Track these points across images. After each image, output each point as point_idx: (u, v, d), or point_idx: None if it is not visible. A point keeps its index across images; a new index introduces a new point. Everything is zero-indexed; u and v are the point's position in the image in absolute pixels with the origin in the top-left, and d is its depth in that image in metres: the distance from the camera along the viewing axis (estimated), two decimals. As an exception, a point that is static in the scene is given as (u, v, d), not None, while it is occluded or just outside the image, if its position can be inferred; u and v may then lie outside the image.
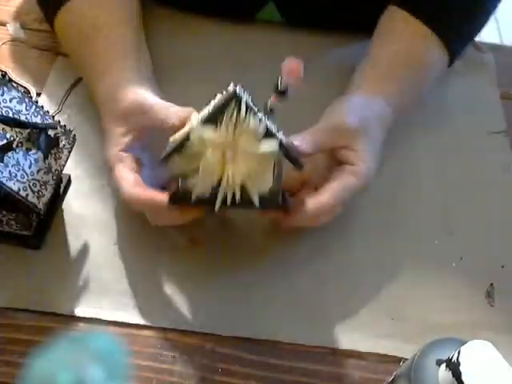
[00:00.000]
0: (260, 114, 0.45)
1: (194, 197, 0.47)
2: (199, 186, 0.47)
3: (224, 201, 0.47)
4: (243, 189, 0.46)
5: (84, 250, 0.56)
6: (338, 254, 0.59)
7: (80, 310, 0.53)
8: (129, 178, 0.52)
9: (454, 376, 0.36)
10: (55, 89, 0.67)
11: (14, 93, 0.50)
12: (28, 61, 0.69)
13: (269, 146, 0.45)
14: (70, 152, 0.54)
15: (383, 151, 0.58)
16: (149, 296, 0.54)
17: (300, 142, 0.52)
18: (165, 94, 0.59)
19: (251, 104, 0.45)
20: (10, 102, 0.50)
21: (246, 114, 0.45)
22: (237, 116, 0.45)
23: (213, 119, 0.45)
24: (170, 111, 0.53)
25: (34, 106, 0.51)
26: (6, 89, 0.50)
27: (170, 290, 0.55)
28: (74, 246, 0.56)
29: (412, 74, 0.64)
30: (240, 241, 0.59)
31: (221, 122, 0.45)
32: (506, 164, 0.67)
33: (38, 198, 0.50)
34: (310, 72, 0.72)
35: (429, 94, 0.68)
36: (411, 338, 0.54)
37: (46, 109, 0.53)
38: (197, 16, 0.74)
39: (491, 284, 0.58)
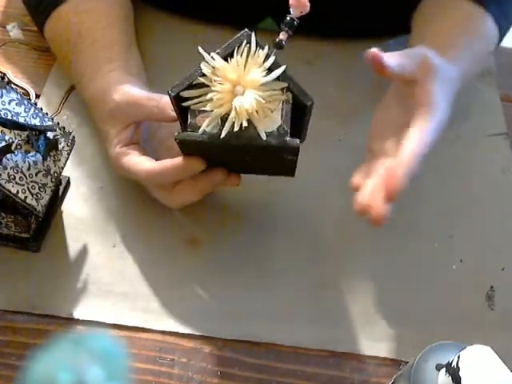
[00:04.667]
0: (269, 50, 0.46)
1: (201, 129, 0.46)
2: (207, 119, 0.46)
3: (229, 144, 0.47)
4: (250, 123, 0.46)
5: (83, 252, 0.56)
6: (338, 257, 0.59)
7: (79, 313, 0.52)
8: (140, 160, 0.53)
9: (453, 381, 0.36)
10: (54, 90, 0.67)
11: (13, 94, 0.50)
12: (27, 62, 0.69)
13: (275, 73, 0.45)
14: (69, 154, 0.54)
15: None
16: (148, 299, 0.54)
17: (387, 56, 0.50)
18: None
19: (260, 42, 0.46)
20: (9, 103, 0.49)
21: (255, 49, 0.45)
22: (247, 53, 0.45)
23: (224, 57, 0.46)
24: (156, 99, 0.53)
25: (32, 108, 0.51)
26: (4, 91, 0.49)
27: (169, 292, 0.55)
28: (73, 248, 0.56)
29: (471, 42, 0.63)
30: (239, 243, 0.58)
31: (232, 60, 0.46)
32: (506, 166, 0.67)
33: (37, 200, 0.50)
34: (310, 73, 0.73)
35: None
36: (411, 341, 0.54)
37: (44, 111, 0.53)
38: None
39: (491, 287, 0.58)
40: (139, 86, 0.57)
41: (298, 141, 0.46)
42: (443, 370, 0.38)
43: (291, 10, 0.46)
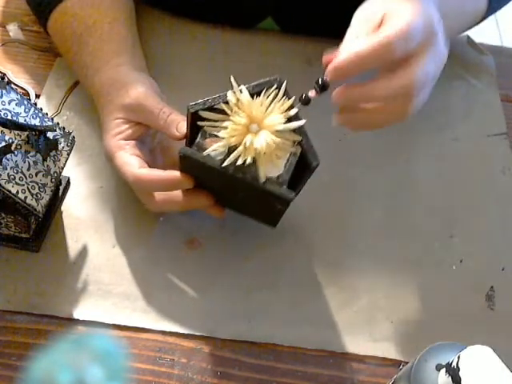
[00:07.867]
0: (294, 101, 0.47)
1: (207, 152, 0.47)
2: (216, 144, 0.47)
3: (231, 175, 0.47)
4: (254, 163, 0.46)
5: (83, 253, 0.56)
6: (338, 257, 0.59)
7: (79, 313, 0.52)
8: (132, 162, 0.53)
9: (453, 381, 0.36)
10: (54, 90, 0.66)
11: (13, 95, 0.50)
12: (27, 62, 0.69)
13: (294, 124, 0.46)
14: (69, 154, 0.54)
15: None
16: (148, 299, 0.54)
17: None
18: (163, 94, 0.59)
19: (289, 93, 0.47)
20: (9, 104, 0.49)
21: (282, 96, 0.47)
22: (274, 97, 0.47)
23: (251, 94, 0.47)
24: (166, 113, 0.53)
25: (32, 108, 0.51)
26: (4, 91, 0.49)
27: (168, 292, 0.55)
28: (73, 248, 0.56)
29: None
30: (239, 243, 0.58)
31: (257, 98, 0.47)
32: (506, 166, 0.67)
33: (37, 200, 0.50)
34: (310, 73, 0.73)
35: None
36: (411, 341, 0.54)
37: (44, 111, 0.53)
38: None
39: (491, 287, 0.58)
40: (151, 85, 0.57)
41: (293, 194, 0.47)
42: (443, 370, 0.38)
43: (326, 73, 0.47)
